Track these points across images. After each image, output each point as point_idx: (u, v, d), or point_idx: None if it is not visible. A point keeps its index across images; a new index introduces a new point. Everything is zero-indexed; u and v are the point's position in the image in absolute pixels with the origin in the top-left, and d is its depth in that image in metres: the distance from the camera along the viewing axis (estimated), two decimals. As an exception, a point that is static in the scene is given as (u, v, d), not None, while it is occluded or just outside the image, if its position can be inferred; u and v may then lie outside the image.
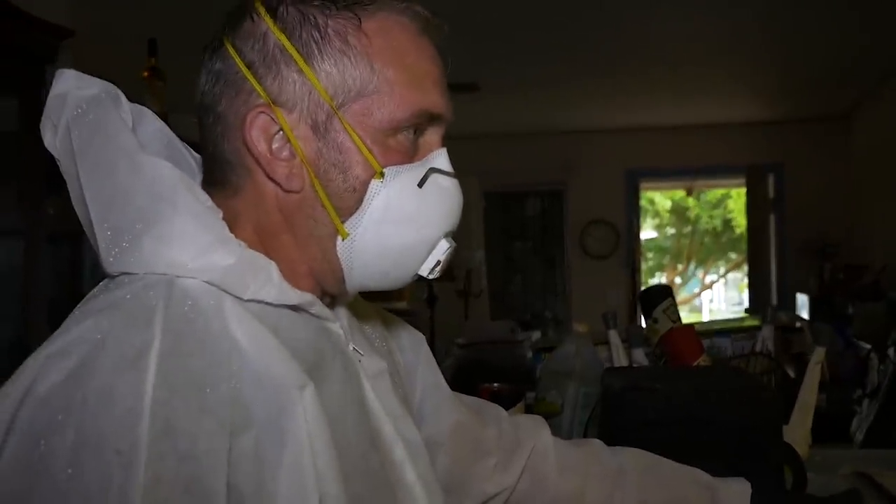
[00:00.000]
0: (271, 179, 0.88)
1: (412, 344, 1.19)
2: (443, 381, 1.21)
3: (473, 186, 7.73)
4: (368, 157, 0.86)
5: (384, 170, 0.87)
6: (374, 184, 0.86)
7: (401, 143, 0.88)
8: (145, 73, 3.58)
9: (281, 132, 0.87)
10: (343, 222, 0.87)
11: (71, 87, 0.87)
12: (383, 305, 1.20)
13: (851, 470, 1.73)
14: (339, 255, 0.89)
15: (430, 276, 0.92)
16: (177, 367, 0.72)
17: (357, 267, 0.89)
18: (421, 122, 0.89)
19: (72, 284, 3.39)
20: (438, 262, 0.92)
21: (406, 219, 0.88)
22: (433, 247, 0.91)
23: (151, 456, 0.67)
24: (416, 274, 0.92)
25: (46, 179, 2.88)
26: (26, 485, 0.68)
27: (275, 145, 0.87)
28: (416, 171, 0.89)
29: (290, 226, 0.89)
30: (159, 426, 0.69)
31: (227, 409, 0.73)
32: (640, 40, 4.94)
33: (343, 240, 0.88)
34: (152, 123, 0.96)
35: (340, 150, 0.86)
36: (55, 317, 2.95)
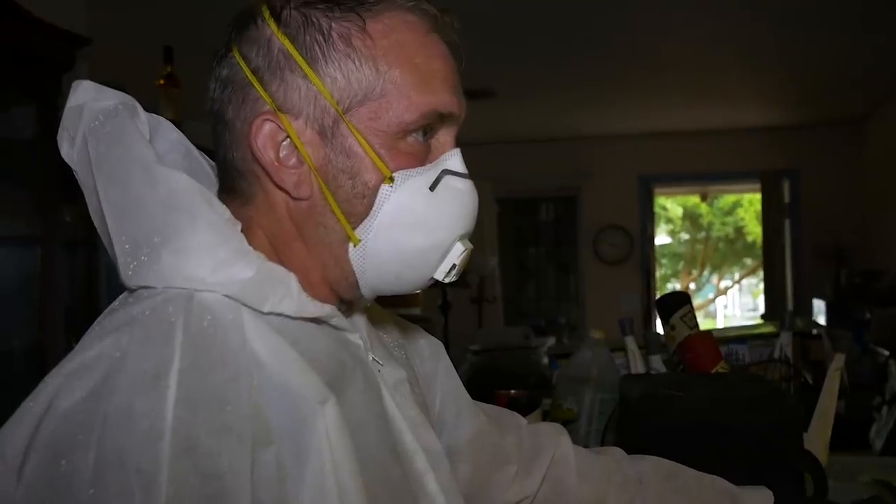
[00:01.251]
0: (279, 188, 0.87)
1: (431, 352, 1.18)
2: (462, 388, 1.20)
3: (487, 192, 7.73)
4: (377, 161, 0.84)
5: (394, 174, 0.85)
6: (384, 188, 0.85)
7: (411, 146, 0.86)
8: (161, 81, 3.59)
9: (288, 139, 0.85)
10: (354, 228, 0.86)
11: (88, 99, 0.86)
12: (396, 311, 1.18)
13: (871, 477, 1.72)
14: (352, 262, 0.87)
15: (447, 280, 0.91)
16: (197, 384, 0.71)
17: (370, 272, 0.88)
18: (431, 123, 0.87)
19: (88, 291, 3.40)
20: (454, 266, 0.90)
21: (418, 223, 0.86)
22: (447, 250, 0.89)
23: (173, 474, 0.66)
24: (432, 278, 0.90)
25: (62, 187, 2.89)
26: (48, 502, 0.67)
27: (282, 153, 0.86)
28: (427, 174, 0.87)
29: (302, 233, 0.88)
30: (181, 444, 0.68)
31: (249, 424, 0.72)
32: (652, 46, 4.93)
33: (355, 246, 0.87)
34: (170, 134, 0.95)
35: (348, 155, 0.85)
36: (71, 322, 2.97)
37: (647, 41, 4.85)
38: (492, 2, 4.01)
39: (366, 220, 0.86)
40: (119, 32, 4.10)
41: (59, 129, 0.86)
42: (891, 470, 1.76)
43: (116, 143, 0.83)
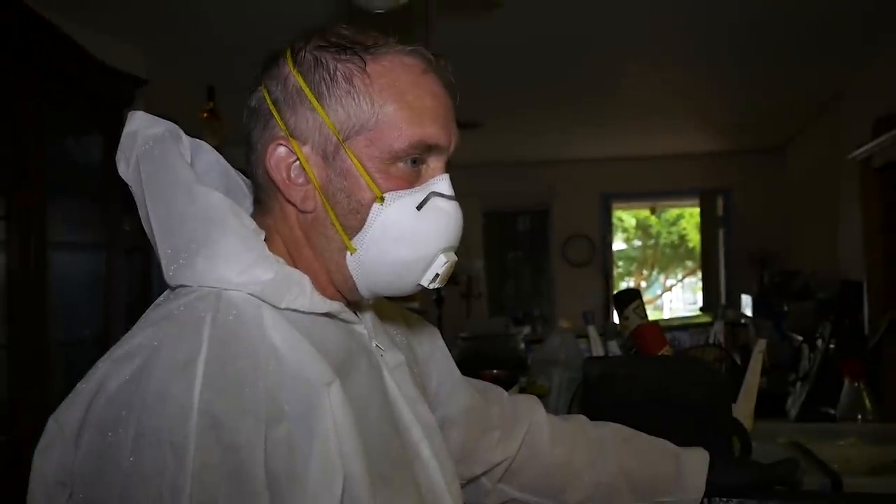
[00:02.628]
0: (289, 202, 0.87)
1: (429, 337, 1.17)
2: (456, 368, 1.19)
3: (474, 206, 7.73)
4: (370, 183, 0.83)
5: (384, 194, 0.84)
6: (376, 206, 0.84)
7: (401, 171, 0.85)
8: (204, 115, 3.59)
9: (297, 161, 0.85)
10: (351, 239, 0.85)
11: (141, 126, 0.86)
12: (401, 304, 1.18)
13: (787, 440, 1.73)
14: (350, 267, 0.86)
15: (432, 287, 0.89)
16: (221, 371, 0.71)
17: (365, 277, 0.87)
18: (418, 152, 0.85)
19: (143, 290, 3.40)
20: (437, 275, 0.88)
21: (403, 237, 0.85)
22: (431, 262, 0.87)
23: (199, 447, 0.67)
24: (419, 284, 0.88)
25: (123, 202, 2.90)
26: (98, 468, 0.68)
27: (293, 173, 0.85)
28: (415, 195, 0.85)
29: (309, 241, 0.88)
30: (206, 421, 0.68)
31: (264, 404, 0.71)
32: (612, 87, 4.94)
33: (352, 254, 0.86)
34: (209, 156, 0.95)
35: (346, 176, 0.84)
36: (131, 316, 2.95)
37: (608, 84, 4.86)
38: (483, 54, 4.03)
39: (360, 233, 0.85)
40: (170, 74, 4.10)
41: (118, 152, 0.86)
42: (803, 434, 1.77)
43: (162, 165, 0.83)
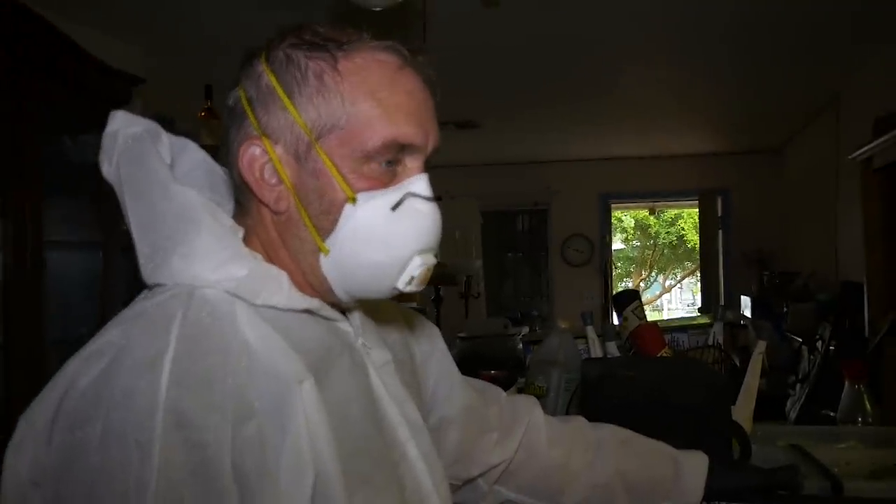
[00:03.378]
0: (262, 202, 0.85)
1: (428, 337, 1.16)
2: (455, 367, 1.18)
3: (473, 206, 7.73)
4: (341, 183, 0.81)
5: (356, 195, 0.81)
6: (348, 207, 0.81)
7: (374, 171, 0.82)
8: (202, 114, 3.59)
9: (270, 161, 0.83)
10: (324, 240, 0.83)
11: (121, 126, 0.85)
12: (397, 304, 1.17)
13: (786, 442, 1.72)
14: (323, 269, 0.84)
15: (408, 290, 0.86)
16: (188, 369, 0.70)
17: (339, 279, 0.85)
18: (392, 152, 0.82)
19: (140, 288, 3.38)
20: (413, 278, 0.85)
21: (376, 238, 0.82)
22: (406, 264, 0.84)
23: (164, 445, 0.66)
24: (395, 287, 0.85)
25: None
26: (67, 465, 0.68)
27: (266, 173, 0.83)
28: (390, 195, 0.83)
29: (284, 242, 0.86)
30: (171, 420, 0.67)
31: (232, 401, 0.70)
32: (611, 88, 4.95)
33: (325, 255, 0.84)
34: (195, 154, 0.93)
35: (318, 176, 0.82)
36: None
37: (606, 84, 4.86)
38: (480, 54, 4.03)
39: (332, 234, 0.82)
40: (168, 73, 4.09)
41: (101, 152, 0.85)
42: (802, 436, 1.76)
43: (139, 164, 0.83)
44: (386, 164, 0.83)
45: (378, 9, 2.47)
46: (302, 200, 0.83)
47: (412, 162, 0.85)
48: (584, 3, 3.48)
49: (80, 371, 0.71)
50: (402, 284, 0.85)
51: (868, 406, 1.90)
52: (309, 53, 0.83)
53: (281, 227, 0.85)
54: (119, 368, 0.70)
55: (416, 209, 0.84)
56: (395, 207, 0.83)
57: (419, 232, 0.84)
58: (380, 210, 0.82)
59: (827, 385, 2.14)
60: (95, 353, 0.72)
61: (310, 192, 0.82)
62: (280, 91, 0.82)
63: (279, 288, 0.82)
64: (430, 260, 0.87)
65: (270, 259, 0.86)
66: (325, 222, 0.83)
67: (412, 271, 0.85)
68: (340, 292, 0.87)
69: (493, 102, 5.14)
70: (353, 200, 0.82)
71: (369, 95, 0.82)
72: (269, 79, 0.83)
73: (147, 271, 0.81)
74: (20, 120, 2.55)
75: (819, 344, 2.35)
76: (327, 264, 0.84)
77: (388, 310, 1.08)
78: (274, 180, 0.83)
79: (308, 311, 0.85)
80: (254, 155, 0.83)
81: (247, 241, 0.85)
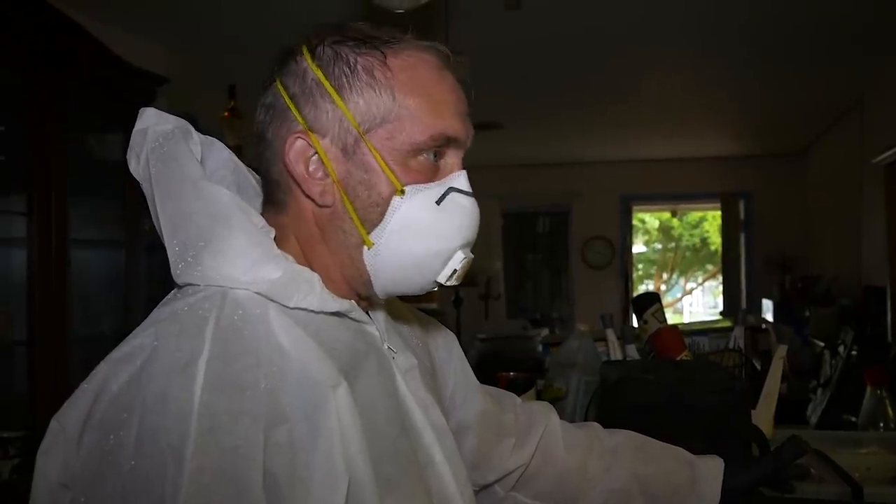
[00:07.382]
0: (307, 196, 0.85)
1: (446, 343, 1.16)
2: (472, 374, 1.18)
3: (494, 208, 7.73)
4: (390, 176, 0.82)
5: (405, 188, 0.82)
6: (396, 199, 0.82)
7: (421, 164, 0.83)
8: (226, 114, 3.61)
9: (316, 155, 0.83)
10: (369, 233, 0.83)
11: (151, 123, 0.86)
12: (416, 305, 1.17)
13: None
14: (366, 262, 0.85)
15: (448, 283, 0.87)
16: (222, 372, 0.70)
17: (381, 273, 0.85)
18: (439, 145, 0.84)
19: (164, 286, 3.38)
20: (455, 271, 0.86)
21: (424, 231, 0.83)
22: (449, 257, 0.85)
23: (197, 449, 0.66)
24: (436, 281, 0.87)
25: (144, 199, 2.91)
26: (100, 471, 0.68)
27: (311, 167, 0.84)
28: (435, 189, 0.84)
29: (325, 237, 0.86)
30: (205, 424, 0.67)
31: (264, 406, 0.70)
32: (634, 90, 4.94)
33: (369, 249, 0.84)
34: (221, 153, 0.94)
35: (366, 169, 0.82)
36: (151, 311, 2.98)
37: (628, 86, 4.85)
38: (503, 56, 4.03)
39: (379, 227, 0.83)
40: (192, 73, 4.12)
41: (129, 150, 0.85)
42: (824, 441, 1.74)
43: (171, 162, 0.82)
44: (433, 158, 0.84)
45: (401, 11, 2.47)
46: (348, 194, 0.83)
47: (453, 157, 0.87)
48: (606, 5, 3.48)
49: (112, 374, 0.71)
50: (443, 278, 0.86)
51: (890, 412, 1.88)
52: (357, 50, 0.84)
53: (323, 221, 0.86)
54: (152, 372, 0.69)
55: (460, 203, 0.86)
56: (439, 201, 0.84)
57: (462, 226, 0.86)
58: (427, 203, 0.83)
59: (848, 390, 2.12)
60: (127, 357, 0.72)
61: (357, 185, 0.83)
62: (328, 86, 0.83)
63: (312, 290, 0.82)
64: (470, 254, 0.88)
65: (307, 256, 0.87)
66: (373, 215, 0.83)
67: (455, 265, 0.86)
68: (378, 287, 0.87)
69: (514, 104, 5.14)
70: (402, 193, 0.82)
71: (419, 90, 0.83)
72: (316, 74, 0.83)
73: (177, 270, 0.80)
74: (45, 118, 2.58)
75: (841, 349, 2.33)
76: (370, 257, 0.84)
77: (404, 313, 1.08)
78: (320, 174, 0.84)
79: (338, 315, 0.85)
80: (299, 148, 0.84)
81: (280, 240, 0.85)
